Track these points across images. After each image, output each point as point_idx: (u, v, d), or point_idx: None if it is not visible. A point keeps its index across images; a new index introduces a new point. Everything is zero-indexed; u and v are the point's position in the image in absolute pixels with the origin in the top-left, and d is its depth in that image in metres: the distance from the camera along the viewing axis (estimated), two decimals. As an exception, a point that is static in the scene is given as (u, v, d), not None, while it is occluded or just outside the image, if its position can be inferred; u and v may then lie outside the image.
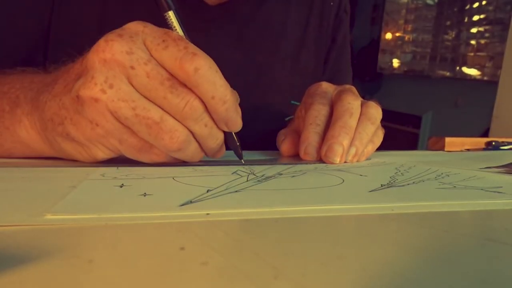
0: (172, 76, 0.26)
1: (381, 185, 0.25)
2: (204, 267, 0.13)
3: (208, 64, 0.26)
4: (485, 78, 2.15)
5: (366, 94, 2.92)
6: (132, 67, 0.25)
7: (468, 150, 0.52)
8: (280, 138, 0.39)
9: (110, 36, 0.26)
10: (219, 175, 0.27)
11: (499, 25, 2.06)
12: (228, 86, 0.27)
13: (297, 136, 0.38)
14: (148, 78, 0.26)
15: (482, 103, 1.86)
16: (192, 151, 0.29)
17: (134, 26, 0.27)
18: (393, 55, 2.77)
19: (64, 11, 0.43)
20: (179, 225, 0.17)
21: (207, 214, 0.18)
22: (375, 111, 0.36)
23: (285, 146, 0.38)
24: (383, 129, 0.39)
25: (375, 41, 2.88)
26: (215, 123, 0.29)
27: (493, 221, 0.20)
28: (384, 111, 0.38)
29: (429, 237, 0.17)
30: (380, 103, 0.39)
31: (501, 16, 2.05)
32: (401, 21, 2.73)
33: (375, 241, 0.16)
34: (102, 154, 0.28)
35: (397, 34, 2.76)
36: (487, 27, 2.14)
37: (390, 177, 0.28)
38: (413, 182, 0.27)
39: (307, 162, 0.35)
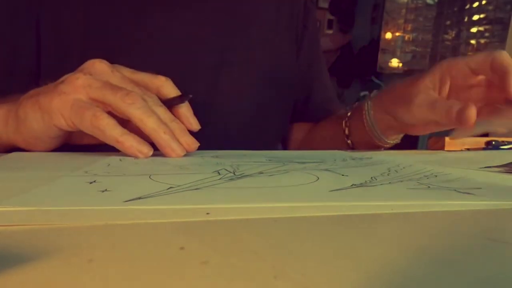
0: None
1: (352, 184, 0.25)
2: (204, 266, 0.13)
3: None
4: (485, 77, 2.15)
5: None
6: (113, 71, 0.35)
7: (468, 149, 0.52)
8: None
9: (82, 71, 0.36)
10: (199, 173, 0.27)
11: (499, 25, 2.06)
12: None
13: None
14: (122, 79, 0.36)
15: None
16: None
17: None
18: (393, 54, 2.77)
19: (49, 18, 0.45)
20: (179, 224, 0.17)
21: (207, 213, 0.18)
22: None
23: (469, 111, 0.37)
24: None
25: (375, 41, 2.88)
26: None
27: (493, 220, 0.20)
28: None
29: (429, 237, 0.17)
30: None
31: (501, 16, 2.05)
32: (401, 21, 2.73)
33: (375, 241, 0.16)
34: (64, 122, 0.35)
35: (397, 34, 2.76)
36: (487, 26, 2.14)
37: (371, 178, 0.27)
38: (389, 182, 0.26)
39: (316, 161, 0.35)
